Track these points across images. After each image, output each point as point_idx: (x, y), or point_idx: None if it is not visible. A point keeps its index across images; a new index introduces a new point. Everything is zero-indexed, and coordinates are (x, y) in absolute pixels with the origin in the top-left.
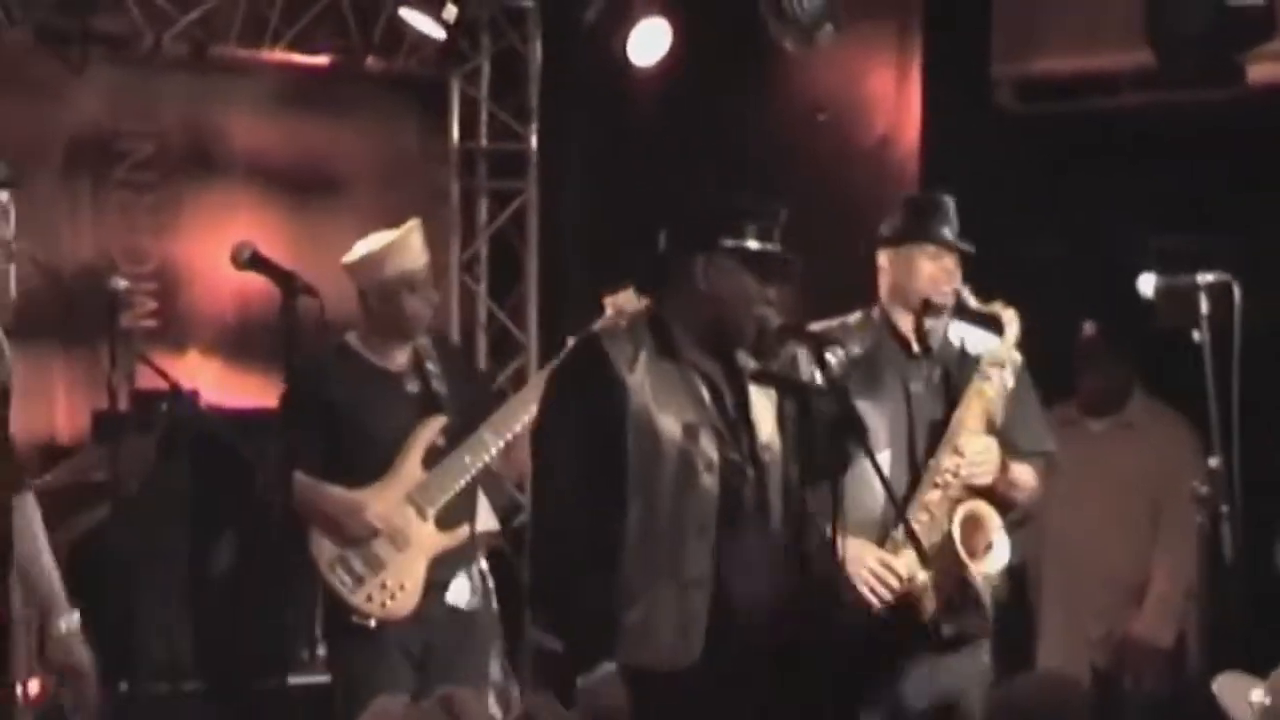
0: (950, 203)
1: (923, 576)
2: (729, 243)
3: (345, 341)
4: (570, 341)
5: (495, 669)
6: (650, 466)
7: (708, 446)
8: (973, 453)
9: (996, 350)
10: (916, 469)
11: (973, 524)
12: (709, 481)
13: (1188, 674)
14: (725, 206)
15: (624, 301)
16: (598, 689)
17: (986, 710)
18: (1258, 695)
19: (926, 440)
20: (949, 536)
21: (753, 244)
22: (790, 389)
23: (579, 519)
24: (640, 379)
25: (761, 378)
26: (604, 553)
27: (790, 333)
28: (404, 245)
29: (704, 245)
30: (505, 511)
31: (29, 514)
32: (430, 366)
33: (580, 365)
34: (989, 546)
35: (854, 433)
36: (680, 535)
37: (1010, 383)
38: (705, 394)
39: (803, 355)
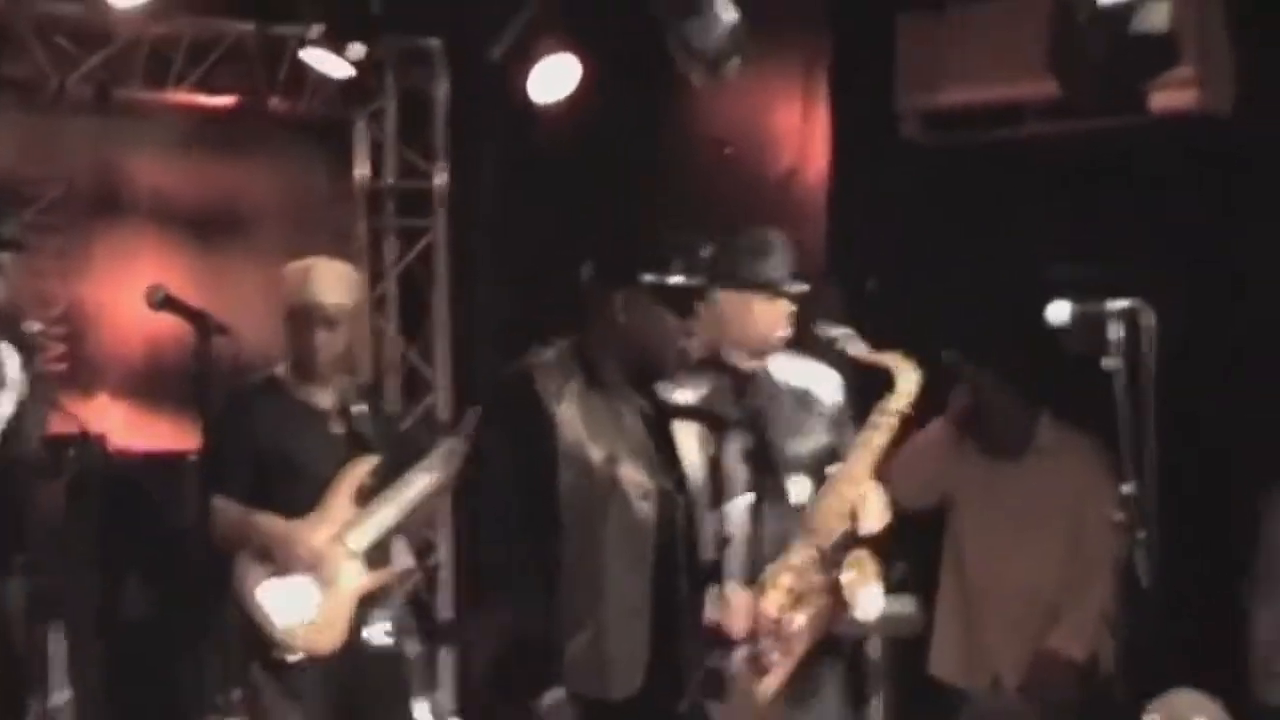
0: (778, 241)
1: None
2: (646, 278)
3: (274, 375)
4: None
5: (424, 711)
6: (585, 498)
7: (641, 476)
8: (869, 508)
9: (887, 402)
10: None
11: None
12: (645, 510)
13: (1099, 692)
14: (642, 242)
15: None
16: (550, 713)
17: None
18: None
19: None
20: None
21: (671, 279)
22: (710, 422)
23: (518, 552)
24: (570, 412)
25: (681, 412)
26: (544, 583)
27: (710, 365)
28: (308, 276)
29: (622, 281)
30: (419, 550)
31: None
32: (354, 410)
33: (510, 401)
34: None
35: (769, 465)
36: (619, 564)
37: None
38: (634, 424)
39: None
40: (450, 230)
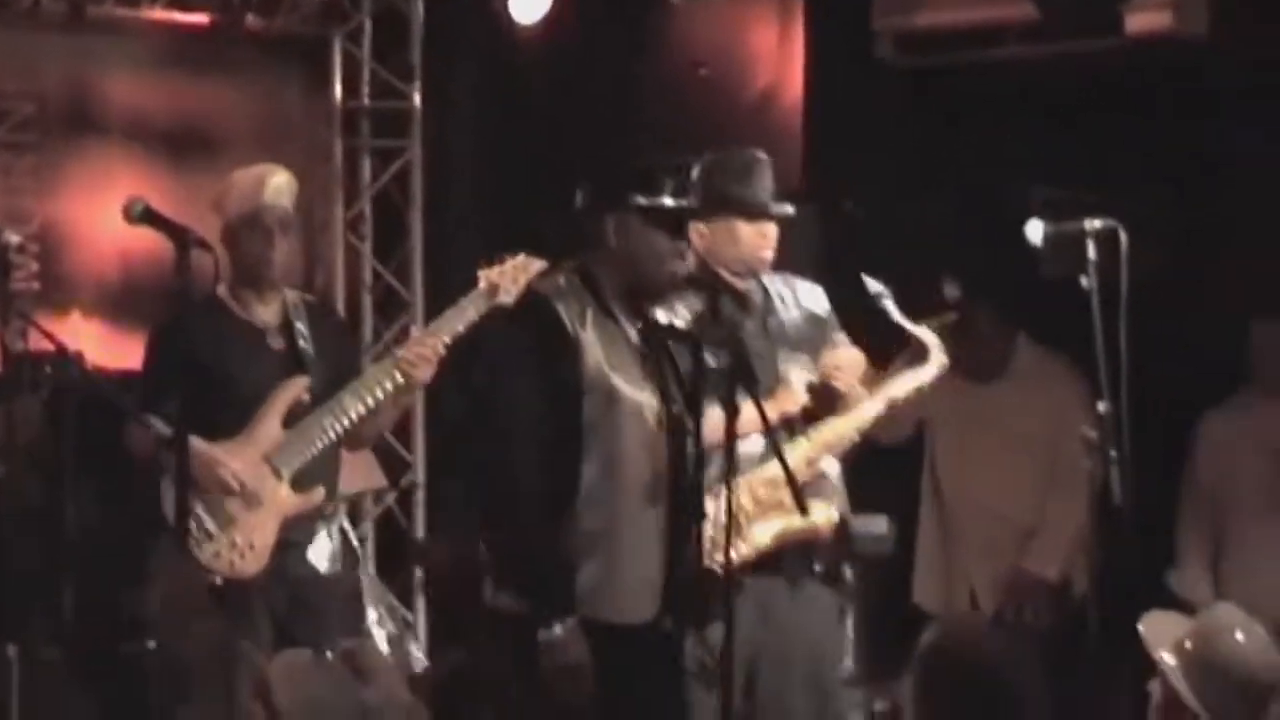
0: (763, 162)
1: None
2: (639, 201)
3: (214, 294)
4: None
5: (379, 626)
6: (609, 422)
7: (654, 400)
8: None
9: (901, 379)
10: None
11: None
12: (659, 435)
13: (1073, 614)
14: (631, 165)
15: (502, 274)
16: (559, 643)
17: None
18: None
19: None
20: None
21: (663, 201)
22: (685, 340)
23: (536, 478)
24: (591, 337)
25: (672, 334)
26: (562, 510)
27: (692, 283)
28: (246, 185)
29: (613, 205)
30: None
31: None
32: (299, 325)
33: (534, 326)
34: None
35: (747, 382)
36: (639, 488)
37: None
38: (636, 348)
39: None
40: (426, 151)
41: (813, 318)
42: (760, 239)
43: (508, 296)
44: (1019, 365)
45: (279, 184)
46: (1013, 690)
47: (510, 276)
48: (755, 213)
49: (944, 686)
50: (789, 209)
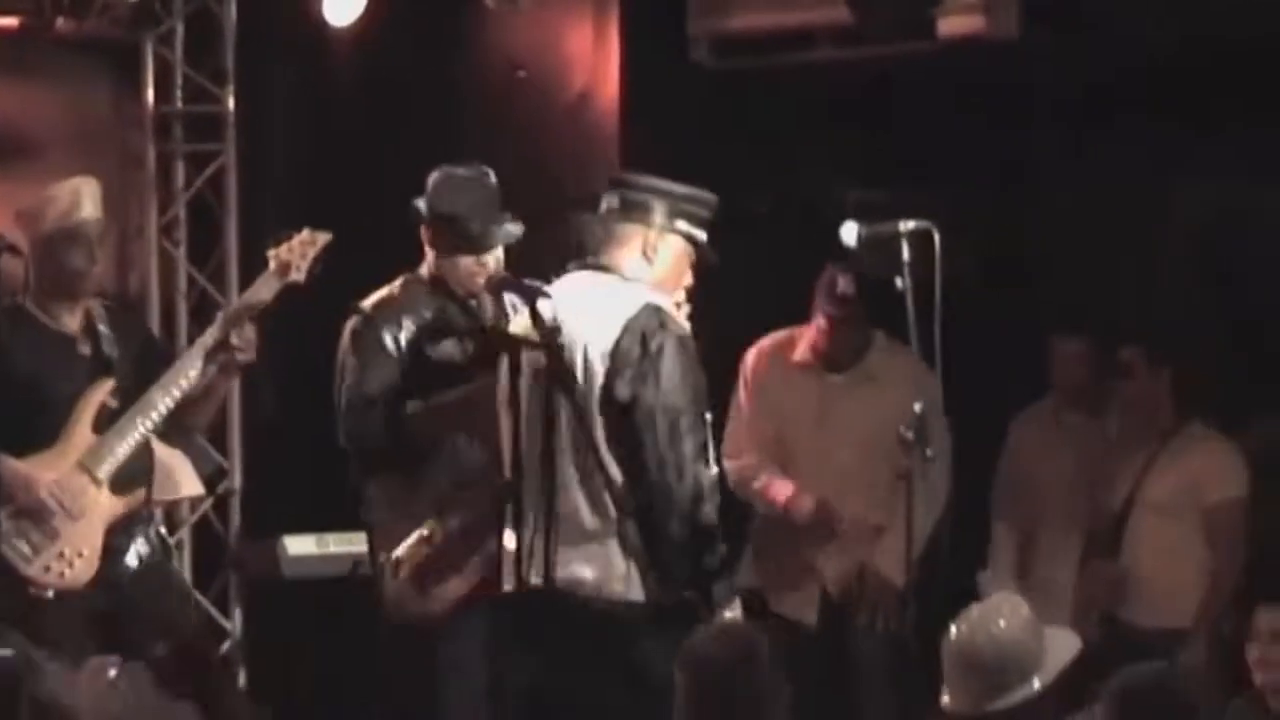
0: (481, 184)
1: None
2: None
3: (17, 303)
4: None
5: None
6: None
7: None
8: None
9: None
10: None
11: None
12: None
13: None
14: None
15: (290, 251)
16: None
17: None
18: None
19: None
20: None
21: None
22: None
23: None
24: None
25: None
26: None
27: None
28: (62, 198)
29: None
30: (211, 475)
31: None
32: (102, 329)
33: None
34: None
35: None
36: None
37: None
38: None
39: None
40: (240, 155)
41: None
42: (478, 268)
43: (298, 274)
44: (872, 361)
45: (95, 196)
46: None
47: (299, 253)
48: (470, 249)
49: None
50: (513, 232)
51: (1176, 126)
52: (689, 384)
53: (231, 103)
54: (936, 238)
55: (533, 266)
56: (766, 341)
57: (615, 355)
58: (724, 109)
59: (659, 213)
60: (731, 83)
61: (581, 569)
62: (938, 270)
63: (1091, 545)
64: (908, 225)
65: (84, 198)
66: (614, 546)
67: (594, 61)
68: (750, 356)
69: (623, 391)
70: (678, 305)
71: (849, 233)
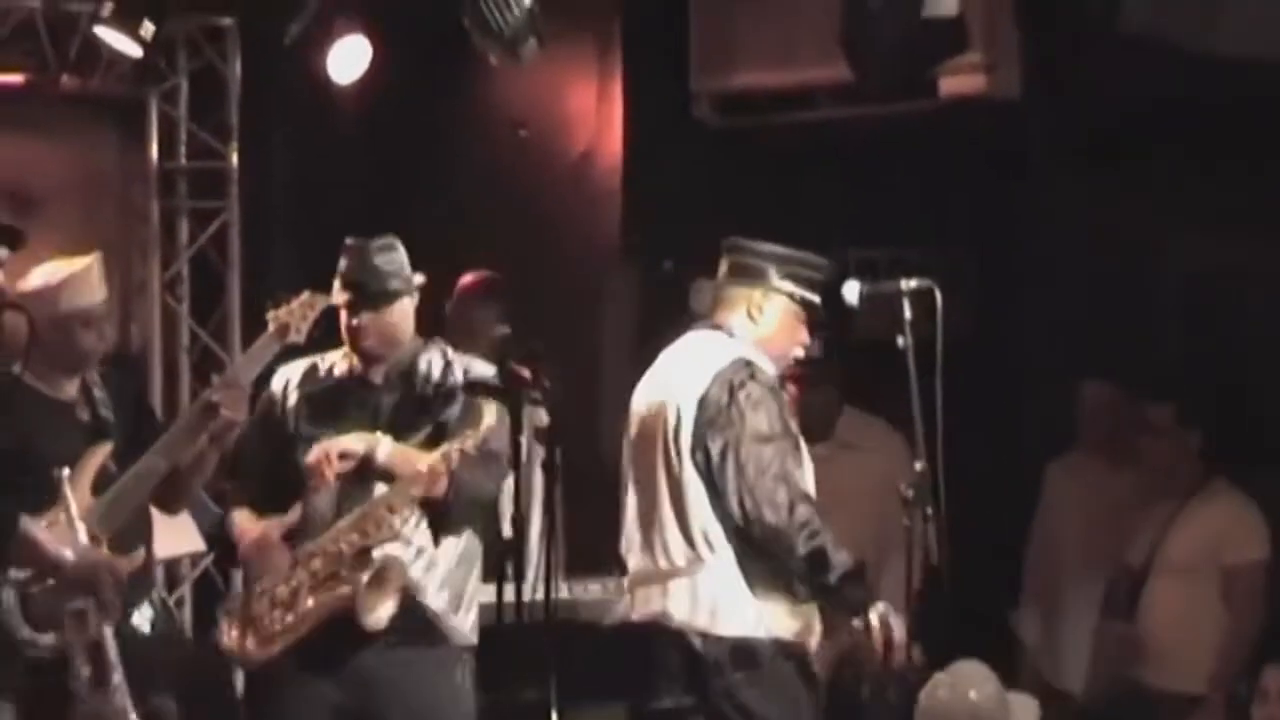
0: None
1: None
2: None
3: (13, 372)
4: None
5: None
6: None
7: None
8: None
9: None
10: None
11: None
12: None
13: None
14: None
15: (290, 313)
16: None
17: None
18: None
19: None
20: None
21: None
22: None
23: None
24: None
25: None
26: None
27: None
28: (80, 281)
29: None
30: (213, 529)
31: None
32: (97, 393)
33: None
34: None
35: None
36: None
37: None
38: None
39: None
40: (244, 211)
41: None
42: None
43: (298, 335)
44: (844, 430)
45: (86, 280)
46: None
47: (299, 315)
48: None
49: None
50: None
51: (1176, 183)
52: (775, 429)
53: (235, 159)
54: (938, 296)
55: (539, 321)
56: None
57: (704, 404)
58: (726, 167)
59: (766, 275)
60: (734, 141)
61: (668, 603)
62: (939, 329)
63: (1110, 603)
64: (909, 284)
65: (98, 279)
66: (701, 581)
67: (597, 119)
68: None
69: (713, 438)
70: (794, 360)
71: (850, 291)
